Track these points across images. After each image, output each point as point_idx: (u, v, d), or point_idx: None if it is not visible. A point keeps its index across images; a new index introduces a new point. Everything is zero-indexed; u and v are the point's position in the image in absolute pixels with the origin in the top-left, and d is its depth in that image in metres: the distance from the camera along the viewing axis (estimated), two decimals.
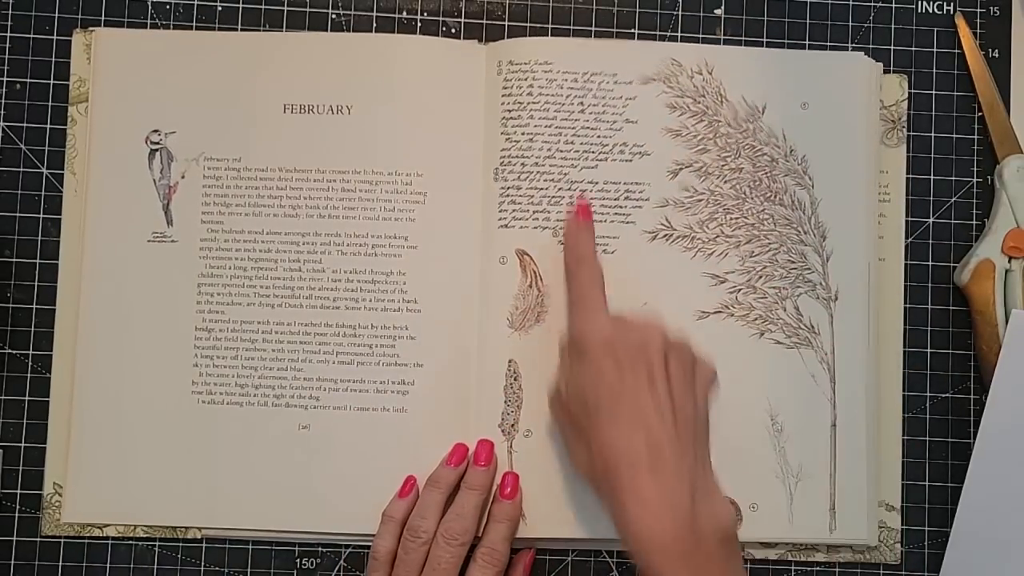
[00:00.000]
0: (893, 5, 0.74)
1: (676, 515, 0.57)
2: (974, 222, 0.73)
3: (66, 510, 0.69)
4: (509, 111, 0.70)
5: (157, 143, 0.70)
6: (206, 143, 0.70)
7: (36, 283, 0.70)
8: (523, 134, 0.69)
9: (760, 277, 0.70)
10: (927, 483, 0.72)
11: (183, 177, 0.70)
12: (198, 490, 0.69)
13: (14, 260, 0.70)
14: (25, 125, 0.71)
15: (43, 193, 0.70)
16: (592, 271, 0.66)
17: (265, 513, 0.69)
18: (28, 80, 0.71)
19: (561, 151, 0.69)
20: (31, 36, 0.71)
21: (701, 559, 0.56)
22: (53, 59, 0.71)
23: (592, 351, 0.61)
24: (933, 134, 0.73)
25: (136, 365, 0.69)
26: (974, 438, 0.70)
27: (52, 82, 0.71)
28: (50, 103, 0.71)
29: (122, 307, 0.70)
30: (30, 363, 0.70)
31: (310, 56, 0.71)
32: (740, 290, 0.69)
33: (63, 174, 0.70)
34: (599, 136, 0.70)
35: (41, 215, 0.70)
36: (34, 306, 0.70)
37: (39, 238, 0.70)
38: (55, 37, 0.71)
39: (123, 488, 0.69)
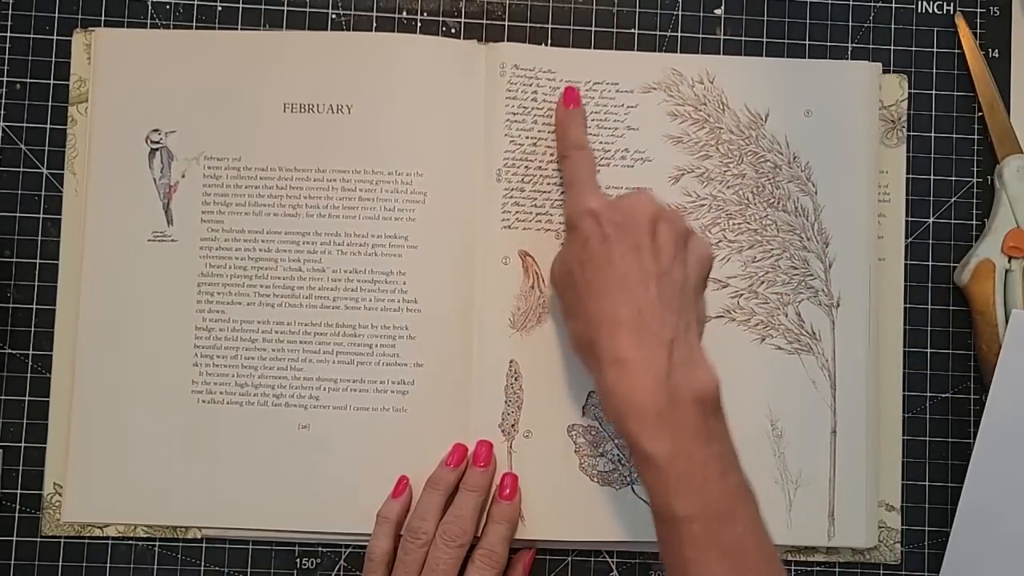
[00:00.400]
0: (893, 5, 0.74)
1: (653, 377, 0.57)
2: (974, 222, 0.73)
3: (66, 510, 0.69)
4: (513, 114, 0.70)
5: (157, 142, 0.70)
6: (206, 142, 0.70)
7: (36, 283, 0.70)
8: (527, 138, 0.69)
9: (762, 283, 0.70)
10: (927, 483, 0.72)
11: (183, 176, 0.70)
12: (198, 490, 0.69)
13: (14, 260, 0.70)
14: (25, 125, 0.70)
15: (43, 193, 0.70)
16: (585, 156, 0.67)
17: (265, 513, 0.69)
18: (28, 80, 0.71)
19: None
20: (31, 36, 0.71)
21: (677, 422, 0.56)
22: (53, 59, 0.71)
23: (579, 224, 0.62)
24: (933, 134, 0.73)
25: (136, 365, 0.69)
26: (974, 438, 0.70)
27: (52, 82, 0.71)
28: (50, 103, 0.71)
29: (122, 306, 0.69)
30: (30, 363, 0.70)
31: (310, 56, 0.71)
32: (742, 295, 0.70)
33: (63, 174, 0.70)
34: (601, 142, 0.70)
35: (41, 215, 0.70)
36: (34, 306, 0.70)
37: (39, 238, 0.70)
38: (55, 37, 0.71)
39: (123, 488, 0.69)
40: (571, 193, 0.66)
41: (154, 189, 0.70)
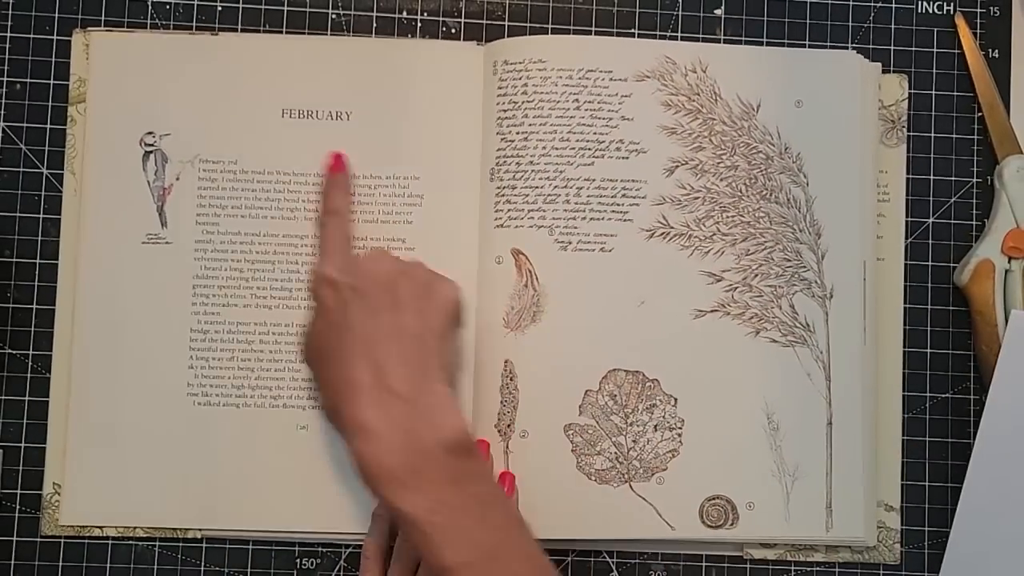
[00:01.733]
0: (893, 5, 0.74)
1: (399, 437, 0.57)
2: (974, 222, 0.73)
3: (64, 511, 0.69)
4: (504, 111, 0.70)
5: (151, 145, 0.70)
6: (201, 146, 0.70)
7: (36, 283, 0.70)
8: (518, 133, 0.69)
9: (756, 275, 0.70)
10: (927, 483, 0.71)
11: (177, 179, 0.70)
12: (196, 492, 0.69)
13: (14, 260, 0.70)
14: (25, 125, 0.71)
15: (43, 193, 0.70)
16: (338, 223, 0.67)
17: (264, 514, 0.69)
18: (28, 80, 0.71)
19: (557, 148, 0.69)
20: (31, 36, 0.71)
21: (430, 475, 0.56)
22: (53, 59, 0.71)
23: (318, 294, 0.63)
24: (933, 134, 0.73)
25: (132, 367, 0.69)
26: (974, 438, 0.70)
27: (52, 82, 0.71)
28: (50, 103, 0.71)
29: (117, 308, 0.69)
30: (30, 363, 0.70)
31: (308, 61, 0.71)
32: (736, 288, 0.69)
33: (63, 174, 0.70)
34: (595, 133, 0.70)
35: (41, 215, 0.70)
36: (34, 306, 0.70)
37: (39, 238, 0.70)
38: (55, 37, 0.71)
39: (122, 490, 0.69)
40: (317, 259, 0.67)
41: (148, 192, 0.70)
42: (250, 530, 0.69)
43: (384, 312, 0.60)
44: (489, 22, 0.73)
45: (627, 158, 0.70)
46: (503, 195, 0.69)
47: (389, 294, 0.61)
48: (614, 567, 0.71)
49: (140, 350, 0.69)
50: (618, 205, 0.69)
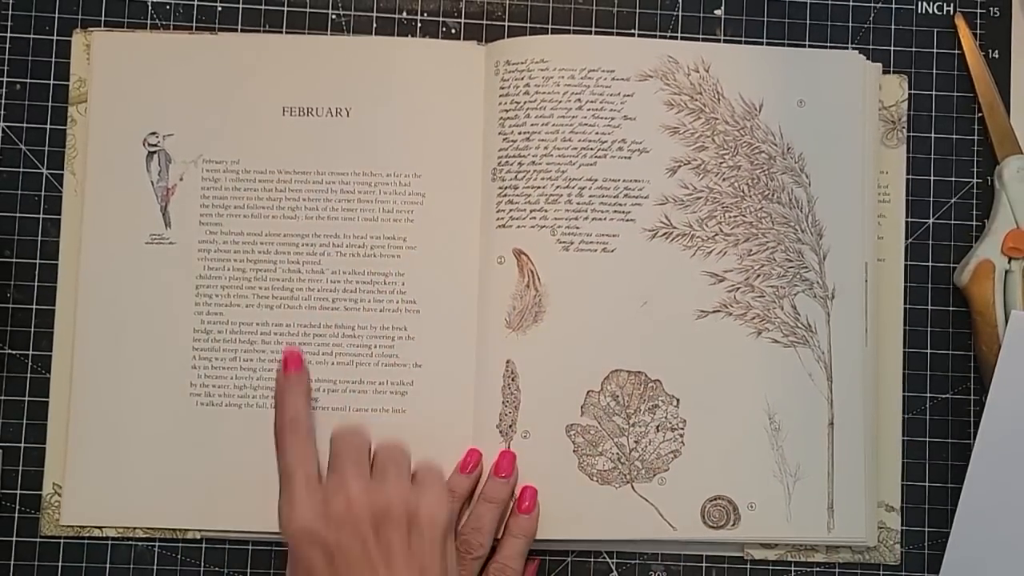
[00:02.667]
0: (893, 6, 0.74)
1: None
2: (974, 223, 0.73)
3: (65, 512, 0.69)
4: (506, 111, 0.70)
5: (155, 145, 0.70)
6: (204, 145, 0.70)
7: (36, 283, 0.70)
8: (520, 133, 0.69)
9: (758, 276, 0.70)
10: (927, 484, 0.72)
11: (181, 179, 0.70)
12: (197, 492, 0.69)
13: (14, 260, 0.70)
14: (25, 125, 0.71)
15: (43, 193, 0.70)
16: (301, 440, 0.62)
17: (265, 515, 0.66)
18: (28, 80, 0.71)
19: (559, 148, 0.69)
20: (31, 36, 0.71)
21: None
22: (53, 59, 0.71)
23: (297, 546, 0.59)
24: (933, 135, 0.73)
25: (134, 367, 0.69)
26: (974, 439, 0.70)
27: (52, 82, 0.71)
28: (50, 103, 0.71)
29: (120, 309, 0.69)
30: (30, 363, 0.70)
31: (309, 59, 0.71)
32: (738, 289, 0.69)
33: (63, 174, 0.70)
34: (597, 132, 0.70)
35: (41, 215, 0.70)
36: (34, 306, 0.70)
37: (39, 238, 0.70)
38: (55, 37, 0.71)
39: (122, 490, 0.69)
40: (283, 494, 0.61)
41: (152, 192, 0.70)
42: (251, 531, 0.69)
43: (378, 565, 0.58)
44: (489, 22, 0.73)
45: (629, 158, 0.70)
46: (505, 195, 0.69)
47: (378, 548, 0.58)
48: (614, 567, 0.71)
49: (142, 350, 0.69)
50: (620, 205, 0.69)
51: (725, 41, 0.73)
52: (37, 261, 0.70)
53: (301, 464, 0.61)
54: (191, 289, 0.70)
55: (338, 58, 0.71)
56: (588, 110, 0.70)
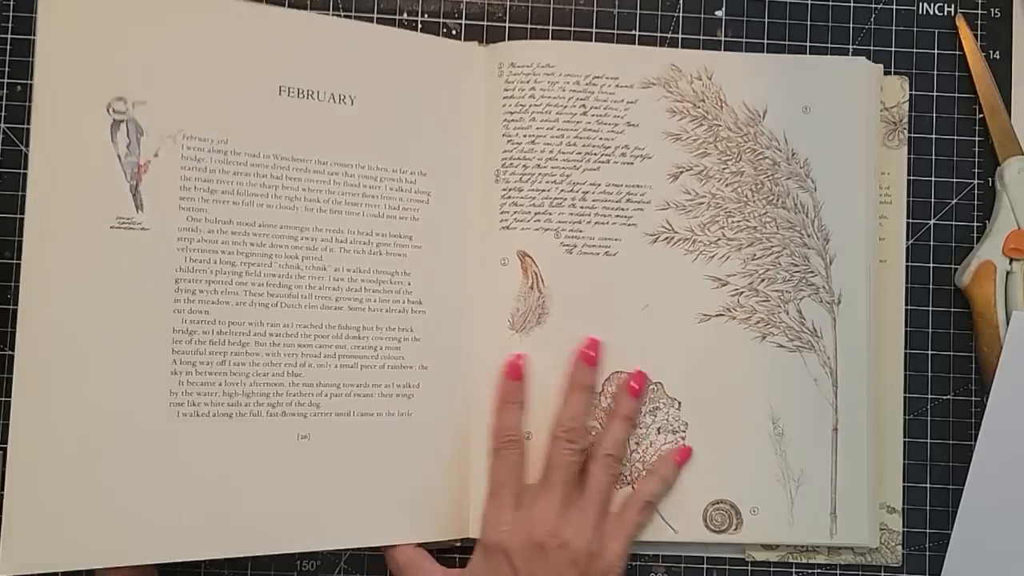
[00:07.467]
0: (894, 7, 0.74)
1: None
2: (975, 224, 0.73)
3: (5, 559, 0.58)
4: (511, 113, 0.69)
5: (121, 112, 0.62)
6: (185, 119, 0.63)
7: None
8: (525, 136, 0.69)
9: (762, 280, 0.70)
10: (928, 485, 0.72)
11: (156, 155, 0.62)
12: (183, 518, 0.61)
13: (14, 262, 0.70)
14: (25, 127, 0.70)
15: None
16: (513, 456, 0.67)
17: (263, 536, 0.63)
18: (28, 82, 0.71)
19: (563, 153, 0.69)
20: (31, 37, 0.71)
21: None
22: None
23: (489, 553, 0.65)
24: (934, 136, 0.73)
25: (94, 375, 0.60)
26: (975, 440, 0.70)
27: None
28: None
29: (80, 305, 0.60)
30: None
31: (311, 36, 0.67)
32: (742, 293, 0.69)
33: None
34: (601, 138, 0.70)
35: None
36: None
37: None
38: None
39: (89, 524, 0.60)
40: (488, 504, 0.67)
41: (119, 167, 0.61)
42: (247, 556, 0.67)
43: None
44: (490, 23, 0.73)
45: (632, 164, 0.70)
46: (509, 197, 0.69)
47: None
48: None
49: (105, 353, 0.61)
50: (623, 210, 0.69)
51: (726, 42, 0.73)
52: None
53: (510, 482, 0.66)
54: (169, 283, 0.62)
55: (342, 39, 0.67)
56: (592, 116, 0.70)
